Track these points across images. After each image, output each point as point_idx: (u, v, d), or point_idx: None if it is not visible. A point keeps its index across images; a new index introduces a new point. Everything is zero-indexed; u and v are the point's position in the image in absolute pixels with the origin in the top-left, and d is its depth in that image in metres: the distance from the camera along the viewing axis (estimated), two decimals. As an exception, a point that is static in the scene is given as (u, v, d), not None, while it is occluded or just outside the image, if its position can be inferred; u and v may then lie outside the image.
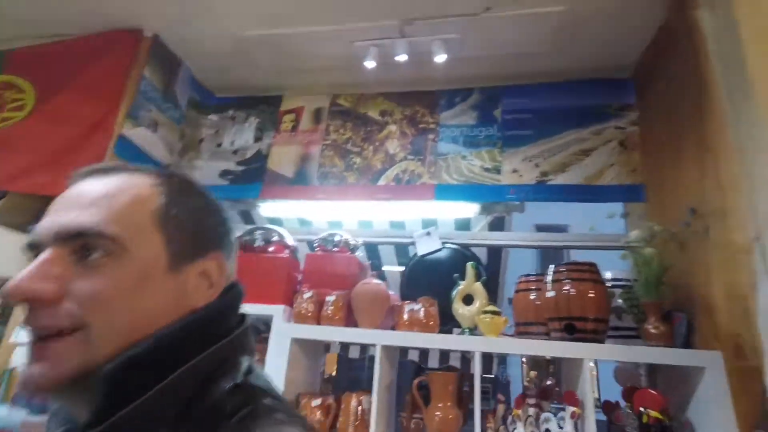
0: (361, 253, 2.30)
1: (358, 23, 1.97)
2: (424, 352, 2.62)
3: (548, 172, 2.07)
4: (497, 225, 2.44)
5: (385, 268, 2.92)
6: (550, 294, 1.63)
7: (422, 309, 1.73)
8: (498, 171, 2.11)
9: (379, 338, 1.67)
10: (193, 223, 0.49)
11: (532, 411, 1.58)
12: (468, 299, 1.81)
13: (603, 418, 1.62)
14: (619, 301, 1.71)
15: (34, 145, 1.99)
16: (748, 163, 1.29)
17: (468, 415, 1.64)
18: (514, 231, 2.48)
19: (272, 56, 2.23)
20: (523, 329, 1.77)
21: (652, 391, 1.47)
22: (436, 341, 1.70)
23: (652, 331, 1.51)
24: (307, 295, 1.84)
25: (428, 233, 2.07)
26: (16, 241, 1.94)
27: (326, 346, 2.37)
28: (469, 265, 1.84)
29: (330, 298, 1.82)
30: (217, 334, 0.46)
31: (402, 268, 2.32)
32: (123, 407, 0.38)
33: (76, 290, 0.41)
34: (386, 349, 1.70)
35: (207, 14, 2.00)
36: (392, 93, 2.37)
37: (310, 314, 1.80)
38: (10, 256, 1.89)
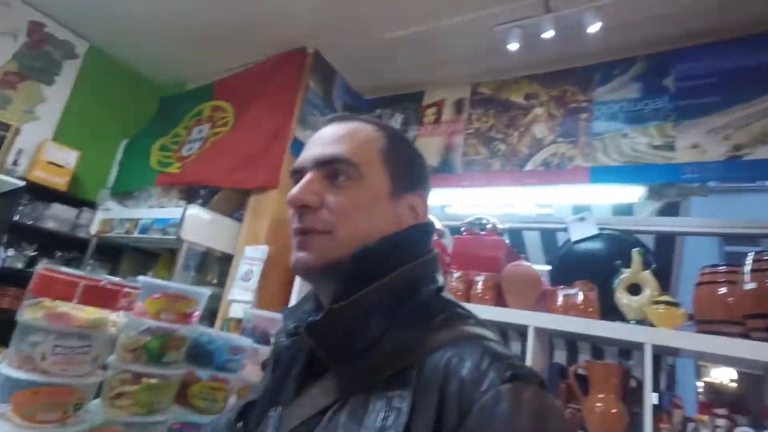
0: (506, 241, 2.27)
1: (499, 6, 1.96)
2: (571, 352, 2.42)
3: (742, 145, 1.72)
4: (669, 212, 2.13)
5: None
6: (749, 286, 1.37)
7: (580, 293, 1.62)
8: (671, 148, 1.84)
9: (532, 319, 1.60)
10: (406, 163, 0.60)
11: (722, 422, 1.35)
12: (633, 289, 1.64)
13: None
14: None
15: (235, 151, 2.53)
16: None
17: (634, 416, 1.48)
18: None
19: (413, 54, 2.38)
20: (707, 328, 1.51)
21: None
22: (597, 328, 1.56)
23: None
24: (457, 274, 1.90)
25: (582, 218, 1.93)
26: (229, 225, 2.49)
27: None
28: (635, 251, 1.65)
29: (479, 278, 1.84)
30: (422, 250, 0.57)
31: (547, 267, 2.18)
32: (355, 293, 0.50)
33: (329, 203, 0.54)
34: (539, 334, 1.63)
35: (352, 22, 2.26)
36: (536, 75, 2.28)
37: (459, 293, 1.86)
38: (224, 234, 2.45)
